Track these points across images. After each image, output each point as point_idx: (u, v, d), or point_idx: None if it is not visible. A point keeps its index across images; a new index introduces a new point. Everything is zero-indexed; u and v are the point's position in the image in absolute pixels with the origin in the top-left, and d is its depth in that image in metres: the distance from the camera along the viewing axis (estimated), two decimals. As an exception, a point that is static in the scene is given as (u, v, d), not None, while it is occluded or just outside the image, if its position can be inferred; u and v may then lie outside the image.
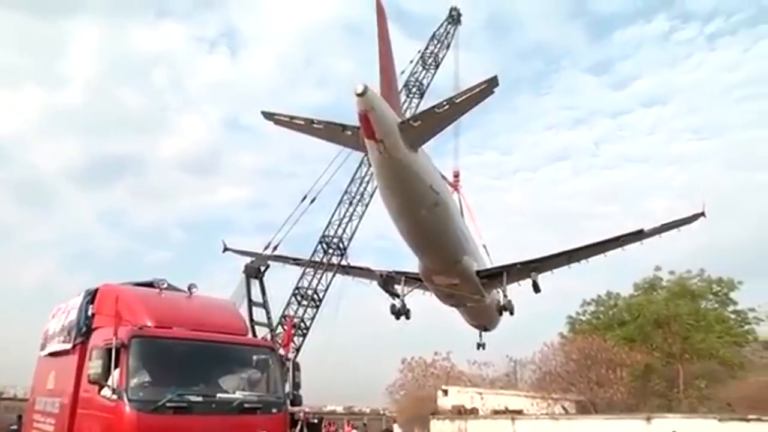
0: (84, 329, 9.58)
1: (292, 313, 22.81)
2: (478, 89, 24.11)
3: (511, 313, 24.83)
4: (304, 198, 24.77)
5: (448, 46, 29.29)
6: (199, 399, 8.06)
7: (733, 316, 22.74)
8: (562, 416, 20.07)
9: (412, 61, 28.54)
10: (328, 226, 25.07)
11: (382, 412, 46.49)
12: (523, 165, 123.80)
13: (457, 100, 24.57)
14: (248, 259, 18.73)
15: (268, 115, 25.43)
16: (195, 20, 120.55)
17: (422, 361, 38.91)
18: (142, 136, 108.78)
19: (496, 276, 25.76)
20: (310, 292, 24.04)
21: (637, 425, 16.51)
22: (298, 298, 23.73)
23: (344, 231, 25.29)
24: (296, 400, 9.75)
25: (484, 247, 28.71)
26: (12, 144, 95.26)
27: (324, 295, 24.45)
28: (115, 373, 7.76)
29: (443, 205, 25.43)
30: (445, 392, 26.29)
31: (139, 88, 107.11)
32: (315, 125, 25.73)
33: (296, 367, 9.85)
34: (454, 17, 29.93)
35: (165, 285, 9.73)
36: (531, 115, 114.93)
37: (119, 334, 7.90)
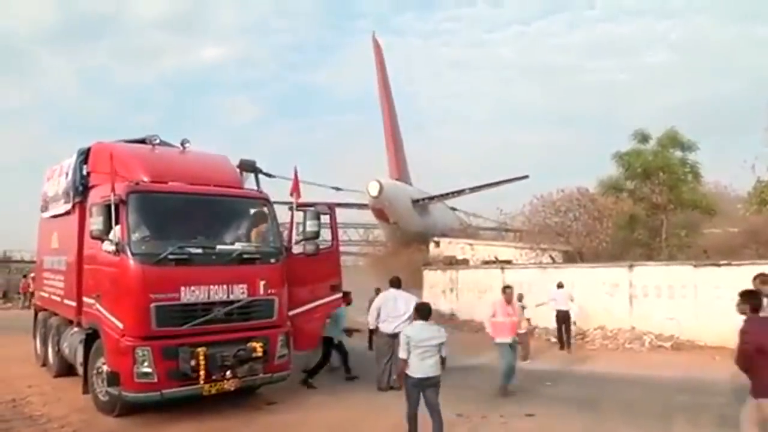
0: (81, 188, 9.71)
1: None
2: (504, 182, 28.73)
3: None
4: None
5: None
6: (200, 251, 8.29)
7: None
8: (549, 265, 20.78)
9: None
10: None
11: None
12: (516, 18, 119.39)
13: (480, 188, 29.30)
14: None
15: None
16: None
17: None
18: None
19: None
20: None
21: (619, 272, 17.30)
22: None
23: None
24: (311, 249, 9.50)
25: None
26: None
27: None
28: (117, 229, 7.94)
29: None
30: (437, 243, 27.06)
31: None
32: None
33: (313, 216, 9.42)
34: None
35: (158, 141, 9.71)
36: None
37: (117, 190, 8.00)
